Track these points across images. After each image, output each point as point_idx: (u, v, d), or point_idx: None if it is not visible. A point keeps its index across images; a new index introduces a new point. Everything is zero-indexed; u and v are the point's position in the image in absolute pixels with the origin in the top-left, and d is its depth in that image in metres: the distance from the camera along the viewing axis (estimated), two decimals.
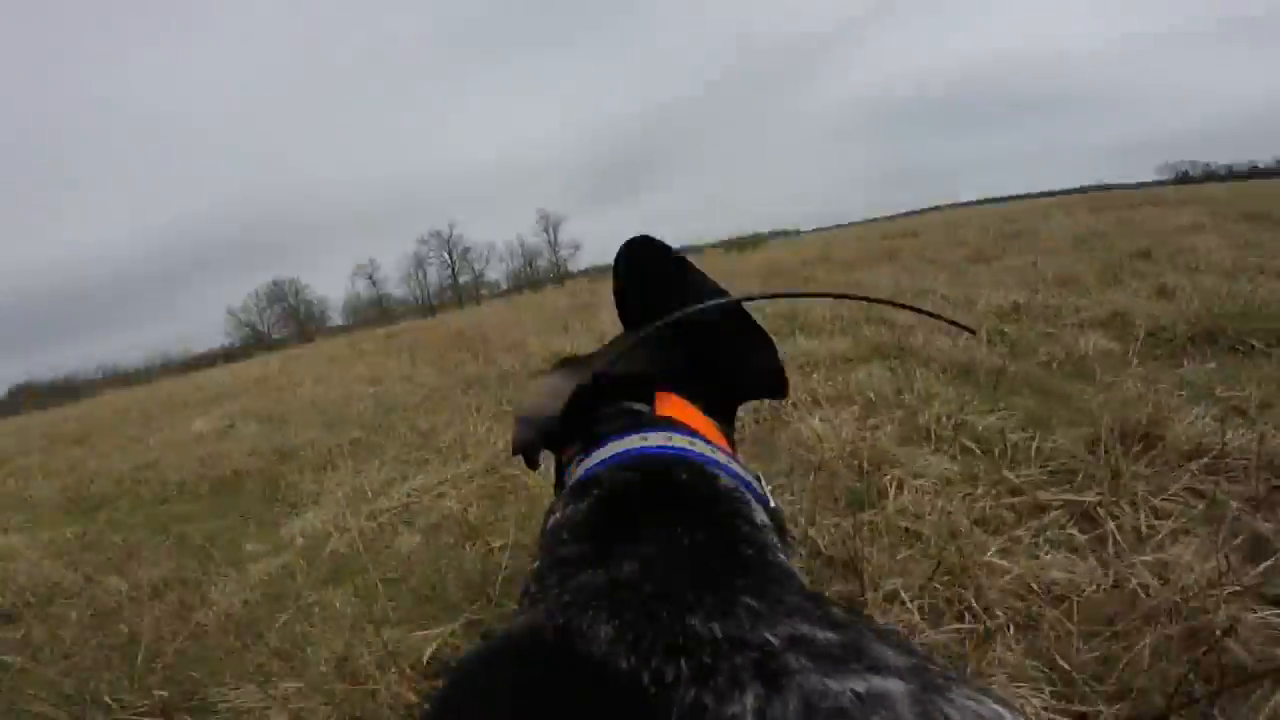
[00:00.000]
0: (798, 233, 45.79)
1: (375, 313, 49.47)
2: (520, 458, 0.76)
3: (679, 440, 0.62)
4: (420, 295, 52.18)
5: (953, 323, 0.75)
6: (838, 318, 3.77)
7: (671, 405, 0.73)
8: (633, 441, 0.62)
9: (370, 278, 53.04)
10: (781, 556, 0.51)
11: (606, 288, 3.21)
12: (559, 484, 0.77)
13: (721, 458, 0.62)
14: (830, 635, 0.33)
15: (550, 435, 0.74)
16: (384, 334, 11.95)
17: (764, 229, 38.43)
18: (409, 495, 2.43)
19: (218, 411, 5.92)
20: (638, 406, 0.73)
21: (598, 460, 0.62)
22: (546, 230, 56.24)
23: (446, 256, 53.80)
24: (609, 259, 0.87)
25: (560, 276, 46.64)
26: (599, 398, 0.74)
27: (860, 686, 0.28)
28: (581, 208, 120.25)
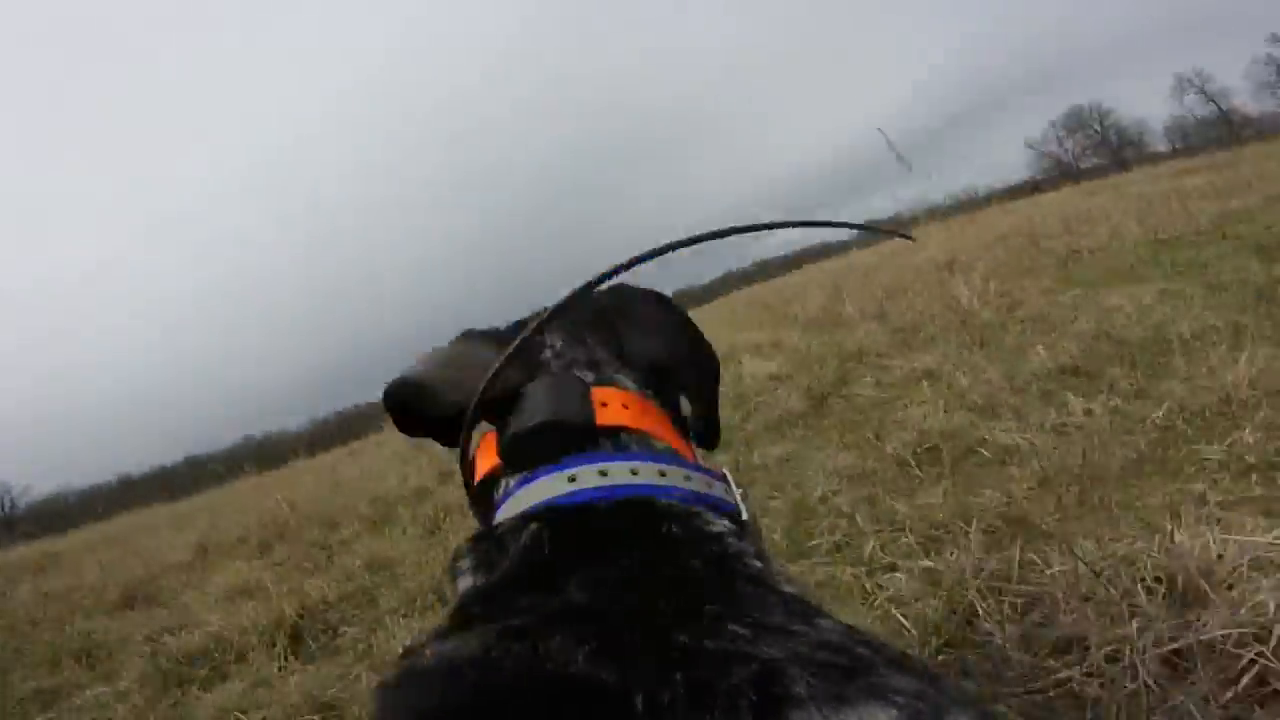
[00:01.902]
0: None
1: (1215, 132, 37.69)
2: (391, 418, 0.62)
3: (617, 473, 0.51)
4: None
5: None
6: None
7: (612, 404, 0.56)
8: (558, 484, 0.50)
9: (1202, 91, 40.21)
10: (755, 564, 0.46)
11: None
12: (478, 500, 0.61)
13: (670, 471, 0.52)
14: (828, 656, 0.32)
15: (448, 419, 0.59)
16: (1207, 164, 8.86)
17: None
18: None
19: None
20: (564, 410, 0.55)
21: (518, 509, 0.51)
22: None
23: None
24: None
25: None
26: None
27: (865, 715, 0.28)
28: None
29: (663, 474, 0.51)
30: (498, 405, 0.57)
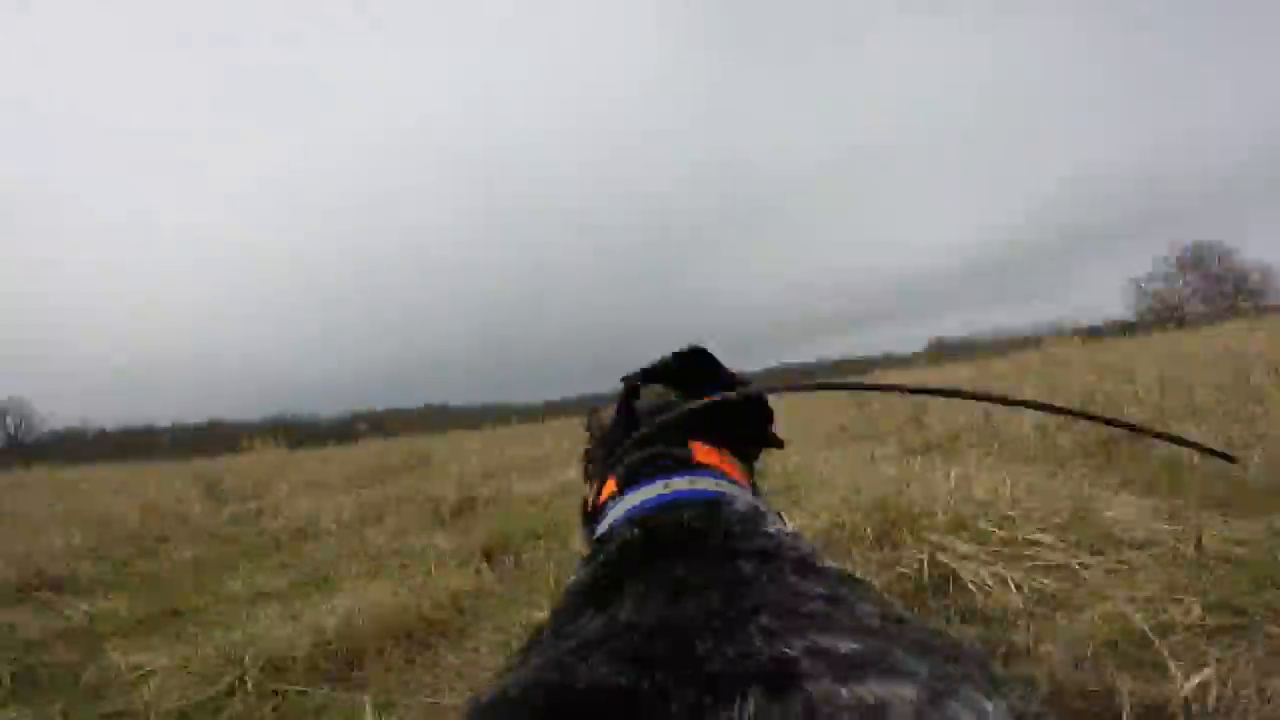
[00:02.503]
0: None
1: None
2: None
3: (701, 483, 0.69)
4: None
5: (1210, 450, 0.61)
6: None
7: (701, 451, 0.79)
8: (654, 490, 0.68)
9: None
10: (802, 548, 0.53)
11: None
12: (590, 519, 0.82)
13: (738, 491, 0.70)
14: (853, 645, 0.33)
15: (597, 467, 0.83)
16: None
17: None
18: None
19: None
20: (672, 451, 0.78)
21: (623, 510, 0.68)
22: None
23: None
24: None
25: None
26: (642, 446, 0.80)
27: (869, 691, 0.29)
28: None
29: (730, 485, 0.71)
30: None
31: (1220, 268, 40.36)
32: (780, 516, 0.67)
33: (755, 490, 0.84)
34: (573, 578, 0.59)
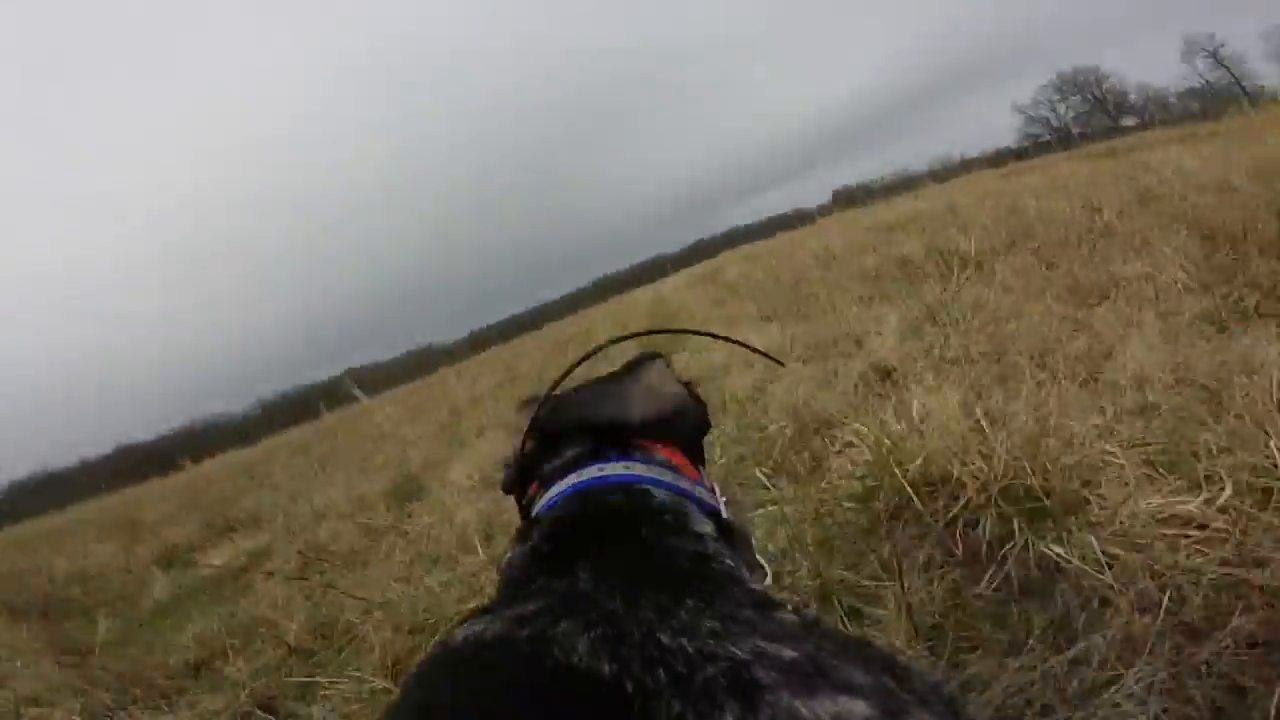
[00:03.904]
0: None
1: (1222, 102, 31.00)
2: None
3: (637, 468, 0.68)
4: None
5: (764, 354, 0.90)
6: None
7: (641, 442, 0.76)
8: (588, 473, 0.67)
9: (1213, 55, 36.73)
10: (727, 563, 0.55)
11: None
12: (524, 516, 0.78)
13: (668, 476, 0.68)
14: (791, 652, 0.36)
15: (520, 470, 0.78)
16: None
17: None
18: None
19: None
20: (603, 446, 0.74)
21: (550, 496, 0.68)
22: None
23: None
24: None
25: None
26: (566, 436, 0.77)
27: (830, 709, 0.31)
28: None
29: (667, 471, 0.69)
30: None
31: (1100, 91, 41.87)
32: (716, 493, 0.72)
33: (696, 473, 0.80)
34: (507, 557, 0.62)
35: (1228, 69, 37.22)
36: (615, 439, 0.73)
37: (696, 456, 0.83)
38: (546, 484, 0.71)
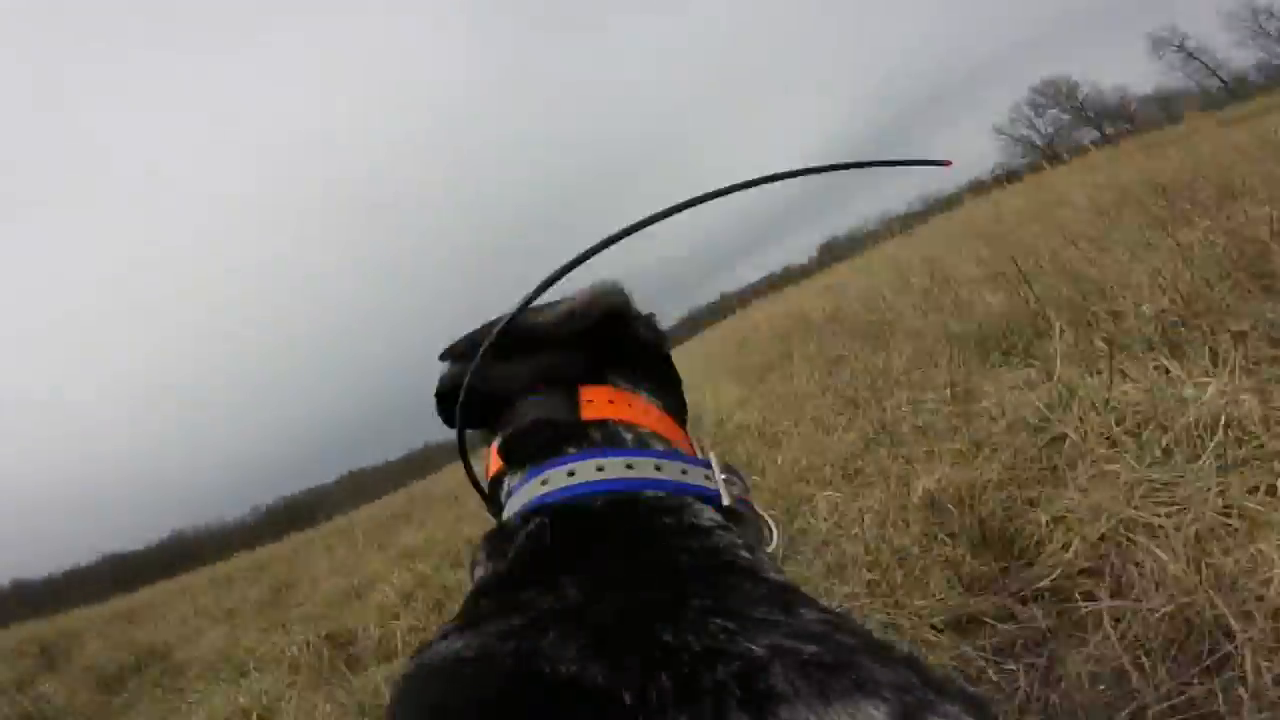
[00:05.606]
0: None
1: (1201, 99, 31.60)
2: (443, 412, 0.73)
3: (611, 469, 0.56)
4: None
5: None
6: None
7: (598, 400, 0.64)
8: (558, 479, 0.56)
9: (1180, 47, 34.53)
10: (743, 555, 0.49)
11: None
12: (491, 499, 0.68)
13: (650, 470, 0.57)
14: (814, 647, 0.34)
15: (471, 399, 0.65)
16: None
17: None
18: None
19: None
20: (560, 416, 0.62)
21: (520, 505, 0.57)
22: None
23: None
24: None
25: None
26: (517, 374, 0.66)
27: (844, 714, 0.30)
28: None
29: (658, 468, 0.56)
30: (496, 411, 0.67)
31: (1078, 99, 40.69)
32: (714, 470, 0.59)
33: (683, 434, 0.70)
34: (480, 572, 0.54)
35: (1201, 61, 35.84)
36: (571, 408, 0.62)
37: (671, 403, 0.72)
38: (523, 477, 0.60)
